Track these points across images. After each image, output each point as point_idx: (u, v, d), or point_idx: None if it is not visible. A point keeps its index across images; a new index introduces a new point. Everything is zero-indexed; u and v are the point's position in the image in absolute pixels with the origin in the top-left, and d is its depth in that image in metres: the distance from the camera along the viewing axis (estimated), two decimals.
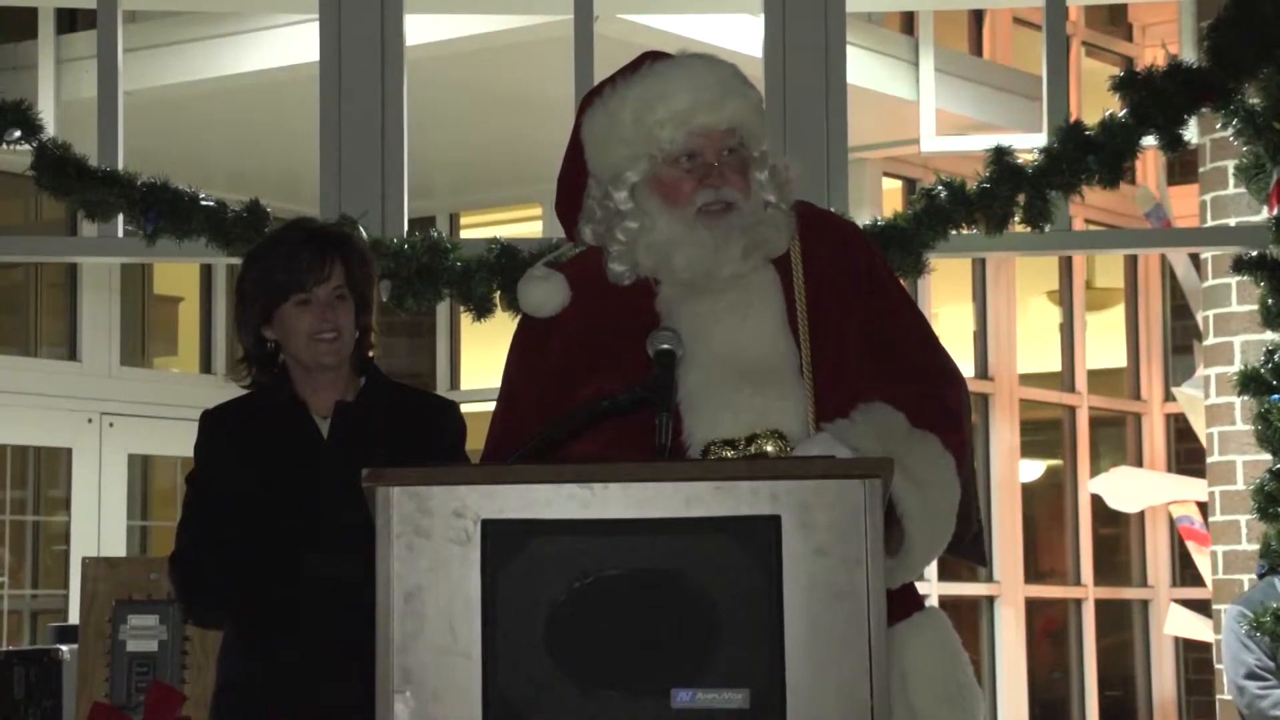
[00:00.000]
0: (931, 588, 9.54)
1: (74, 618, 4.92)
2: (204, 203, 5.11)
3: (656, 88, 3.04)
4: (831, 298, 3.06)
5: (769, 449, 2.91)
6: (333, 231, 3.74)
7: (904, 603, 2.98)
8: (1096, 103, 5.61)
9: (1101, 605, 10.92)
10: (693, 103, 3.01)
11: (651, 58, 3.11)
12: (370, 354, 3.65)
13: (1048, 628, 10.96)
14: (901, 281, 3.34)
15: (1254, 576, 5.97)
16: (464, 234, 10.10)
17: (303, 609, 3.45)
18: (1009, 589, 10.14)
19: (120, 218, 5.23)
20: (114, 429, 9.62)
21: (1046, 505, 11.18)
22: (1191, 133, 5.43)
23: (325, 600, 3.43)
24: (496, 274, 5.08)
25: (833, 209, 4.64)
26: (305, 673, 3.44)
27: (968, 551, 3.21)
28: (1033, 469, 10.87)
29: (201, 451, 3.61)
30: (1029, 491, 10.57)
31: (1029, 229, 5.14)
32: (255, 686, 3.50)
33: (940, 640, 3.02)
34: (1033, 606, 10.43)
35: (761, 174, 3.07)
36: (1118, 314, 11.41)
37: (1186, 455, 10.79)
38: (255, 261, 3.62)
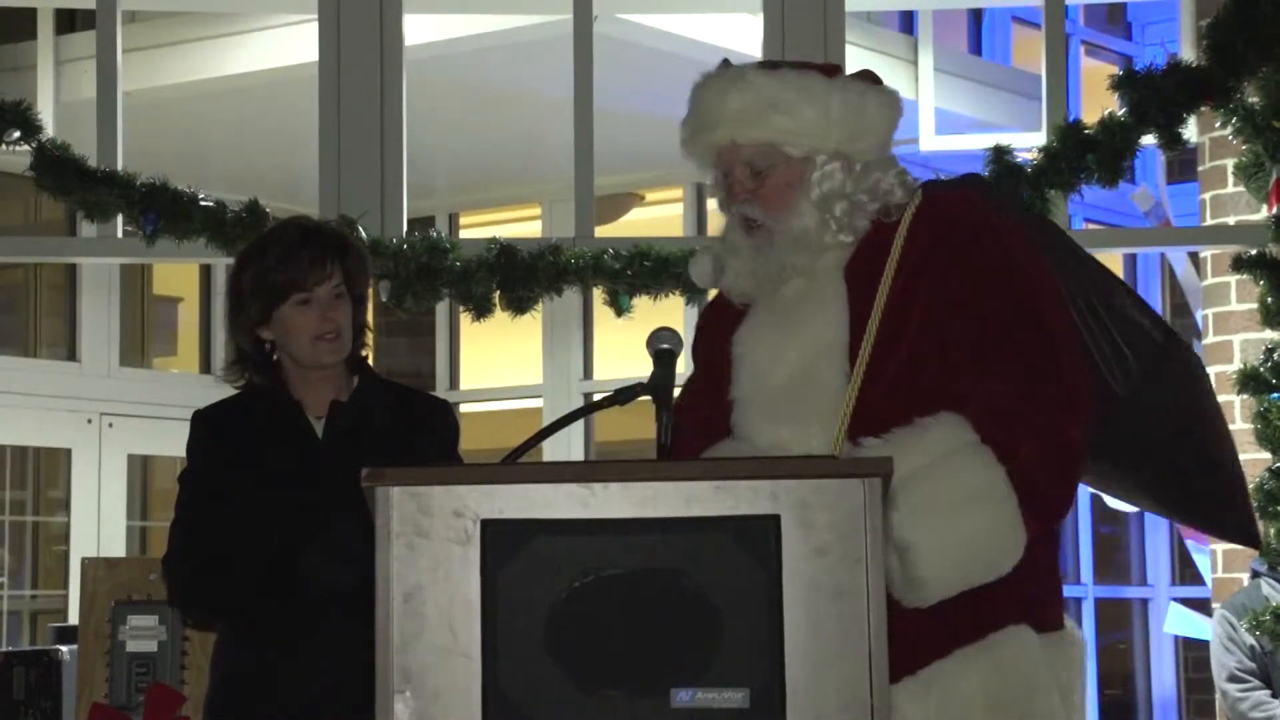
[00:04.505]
0: None
1: (74, 618, 4.93)
2: (203, 203, 5.12)
3: (685, 107, 3.10)
4: (916, 304, 2.93)
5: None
6: (329, 230, 3.70)
7: (979, 621, 2.84)
8: (1096, 103, 5.61)
9: (1101, 604, 10.92)
10: (695, 124, 3.06)
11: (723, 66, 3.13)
12: (364, 353, 3.64)
13: None
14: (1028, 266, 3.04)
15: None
16: (463, 234, 10.09)
17: (299, 609, 3.44)
18: None
19: (119, 218, 5.24)
20: (113, 429, 9.61)
21: None
22: (1191, 131, 5.43)
23: (322, 600, 3.42)
24: (496, 274, 5.08)
25: None
26: (302, 671, 3.43)
27: (1235, 535, 3.29)
28: None
29: (194, 452, 3.59)
30: None
31: None
32: (251, 685, 3.49)
33: (1010, 665, 2.84)
34: None
35: (821, 185, 2.98)
36: None
37: None
38: (251, 262, 3.59)
